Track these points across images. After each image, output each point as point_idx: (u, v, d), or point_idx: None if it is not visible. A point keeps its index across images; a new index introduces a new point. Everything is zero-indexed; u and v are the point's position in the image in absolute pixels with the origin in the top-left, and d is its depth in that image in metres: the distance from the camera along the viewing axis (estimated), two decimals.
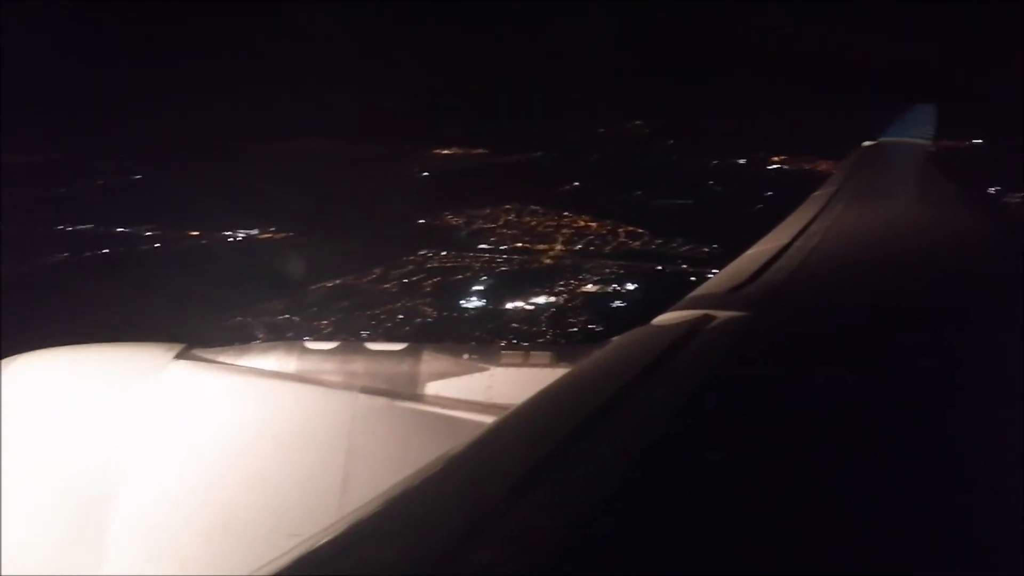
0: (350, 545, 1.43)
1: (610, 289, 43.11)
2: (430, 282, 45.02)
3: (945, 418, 1.89)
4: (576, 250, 51.37)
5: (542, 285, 43.52)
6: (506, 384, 3.30)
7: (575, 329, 36.86)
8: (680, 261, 46.68)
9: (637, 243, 52.10)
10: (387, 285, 44.65)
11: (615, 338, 3.22)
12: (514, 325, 38.10)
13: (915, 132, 11.15)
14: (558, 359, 3.38)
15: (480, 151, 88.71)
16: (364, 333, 33.89)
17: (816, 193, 6.97)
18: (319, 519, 2.63)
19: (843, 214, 5.52)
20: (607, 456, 1.66)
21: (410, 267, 47.27)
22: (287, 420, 3.13)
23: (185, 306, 33.90)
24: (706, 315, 2.79)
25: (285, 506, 2.91)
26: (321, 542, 1.43)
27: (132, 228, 54.19)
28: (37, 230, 50.69)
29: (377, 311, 40.45)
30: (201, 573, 2.77)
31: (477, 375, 3.34)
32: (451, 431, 3.05)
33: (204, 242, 52.91)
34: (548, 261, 49.29)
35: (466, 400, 3.28)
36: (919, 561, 1.32)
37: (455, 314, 40.40)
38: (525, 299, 41.63)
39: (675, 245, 50.54)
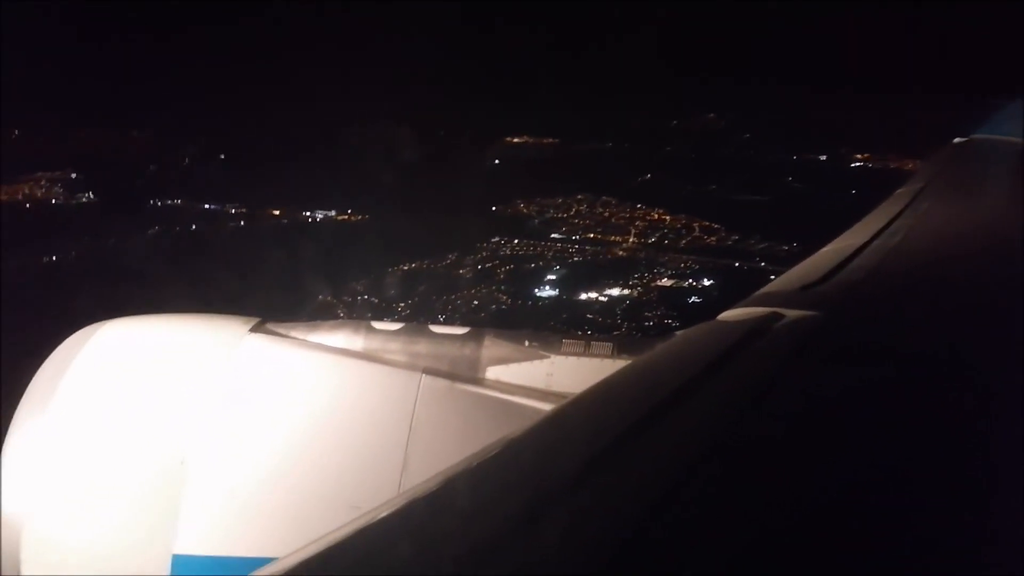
0: (410, 520, 1.44)
1: (686, 284, 42.52)
2: (504, 269, 45.34)
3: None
4: (650, 243, 50.84)
5: (616, 277, 43.25)
6: (566, 373, 3.32)
7: (651, 323, 36.52)
8: (758, 258, 45.60)
9: (713, 239, 51.18)
10: (462, 271, 45.17)
11: (679, 332, 3.18)
12: (589, 316, 38.06)
13: (1009, 130, 10.37)
14: (619, 350, 3.37)
15: (551, 140, 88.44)
16: (440, 317, 34.43)
17: (900, 190, 6.53)
18: (380, 493, 2.71)
19: (928, 213, 5.21)
20: (666, 451, 1.64)
21: (484, 254, 47.67)
22: (353, 396, 3.20)
23: (271, 283, 35.07)
24: (774, 312, 2.67)
25: (348, 479, 2.98)
26: (381, 515, 1.43)
27: (218, 205, 56.35)
28: (130, 205, 53.16)
29: (452, 296, 41.02)
30: (268, 537, 2.86)
31: (538, 362, 3.37)
32: (510, 416, 3.09)
33: (285, 221, 54.60)
34: (621, 253, 48.97)
35: (526, 386, 3.31)
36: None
37: (529, 303, 40.61)
38: (599, 290, 41.48)
39: (753, 242, 49.41)
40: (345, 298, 38.68)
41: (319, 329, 3.46)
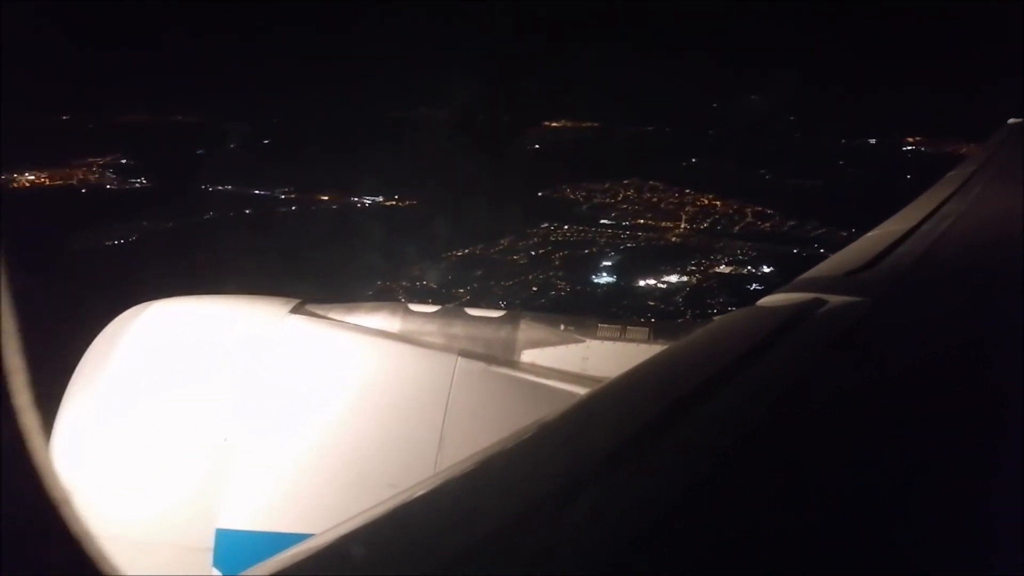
0: (445, 499, 1.45)
1: (745, 271, 41.83)
2: (558, 255, 45.04)
3: None
4: (703, 229, 50.14)
5: (672, 263, 42.72)
6: (601, 357, 3.31)
7: (714, 311, 35.97)
8: (817, 245, 44.61)
9: (767, 224, 50.32)
10: (515, 256, 44.97)
11: (717, 318, 3.13)
12: (650, 303, 37.62)
13: None
14: (655, 335, 3.34)
15: (590, 124, 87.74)
16: (501, 303, 34.24)
17: (951, 174, 6.21)
18: (416, 473, 2.68)
19: (980, 197, 4.95)
20: (700, 438, 1.61)
21: (535, 239, 47.40)
22: (390, 377, 3.23)
23: (327, 268, 35.23)
24: (817, 298, 2.58)
25: (386, 458, 3.00)
26: (418, 494, 1.44)
27: (267, 191, 56.65)
28: (182, 190, 53.65)
29: (511, 283, 40.83)
30: (308, 514, 2.89)
31: (573, 346, 3.37)
32: (545, 399, 3.07)
33: (334, 207, 54.75)
34: (675, 239, 48.35)
35: (561, 370, 3.31)
36: None
37: (588, 288, 40.27)
38: (657, 277, 41.00)
39: (809, 228, 48.46)
40: (403, 283, 38.72)
41: (357, 310, 3.50)
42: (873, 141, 70.19)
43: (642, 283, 40.68)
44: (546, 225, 49.49)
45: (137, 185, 55.95)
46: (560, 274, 42.16)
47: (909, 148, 65.80)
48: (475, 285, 39.49)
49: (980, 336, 2.35)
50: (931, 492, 1.44)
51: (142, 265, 33.24)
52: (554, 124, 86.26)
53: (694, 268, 42.34)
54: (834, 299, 2.60)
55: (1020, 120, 9.79)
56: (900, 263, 3.22)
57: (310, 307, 3.46)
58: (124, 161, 58.13)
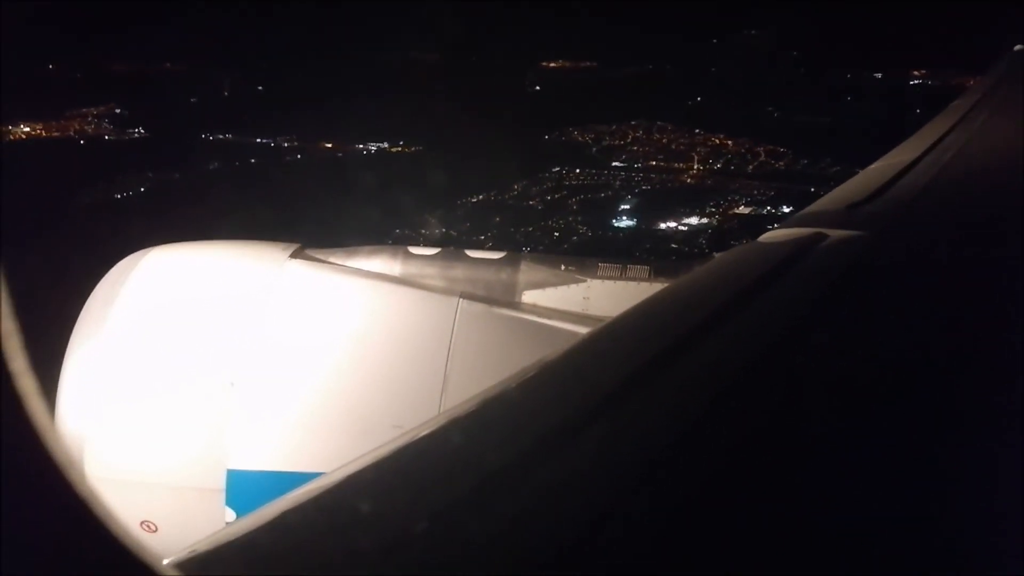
0: (451, 438, 1.46)
1: (765, 212, 41.59)
2: (575, 199, 44.67)
3: None
4: (716, 169, 49.69)
5: (690, 205, 42.49)
6: (603, 296, 3.35)
7: None
8: (833, 183, 44.24)
9: (781, 163, 49.90)
10: (531, 202, 44.54)
11: (717, 255, 3.15)
12: (673, 245, 37.44)
13: None
14: (656, 273, 3.38)
15: (588, 64, 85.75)
16: (525, 249, 33.98)
17: (954, 104, 6.17)
18: (421, 413, 2.67)
19: (984, 127, 4.95)
20: (702, 375, 1.63)
21: (549, 184, 46.87)
22: (393, 320, 3.25)
23: (342, 217, 34.63)
24: (818, 233, 2.57)
25: (390, 399, 3.03)
26: (423, 433, 1.45)
27: (268, 139, 55.32)
28: (181, 139, 52.29)
29: (530, 228, 40.48)
30: (316, 454, 2.90)
31: (574, 286, 3.40)
32: (548, 339, 3.08)
33: (340, 154, 53.72)
34: (689, 180, 47.97)
35: (563, 310, 3.34)
36: None
37: (610, 233, 40.03)
38: (677, 219, 40.81)
39: (823, 166, 48.03)
40: (423, 231, 38.25)
41: (357, 254, 3.49)
42: (879, 75, 69.21)
43: (663, 226, 40.51)
44: (557, 169, 48.90)
45: (136, 135, 54.35)
46: (580, 218, 41.87)
47: (916, 82, 64.98)
48: (495, 231, 39.15)
49: (980, 270, 2.34)
50: (929, 432, 1.42)
51: (153, 217, 32.53)
52: (552, 64, 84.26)
53: (713, 210, 42.18)
54: (835, 233, 2.58)
55: (1022, 47, 9.55)
56: (902, 195, 3.22)
57: (309, 251, 3.44)
58: (118, 111, 56.36)
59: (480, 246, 35.55)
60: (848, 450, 1.37)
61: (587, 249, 35.96)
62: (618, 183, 47.40)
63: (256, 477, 2.97)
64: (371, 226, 34.44)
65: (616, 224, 41.54)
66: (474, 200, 44.19)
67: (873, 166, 4.24)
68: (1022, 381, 1.62)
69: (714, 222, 40.60)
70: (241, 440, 3.01)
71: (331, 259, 3.47)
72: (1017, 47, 9.42)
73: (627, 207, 43.31)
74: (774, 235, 2.86)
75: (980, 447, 1.39)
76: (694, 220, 40.87)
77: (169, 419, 3.04)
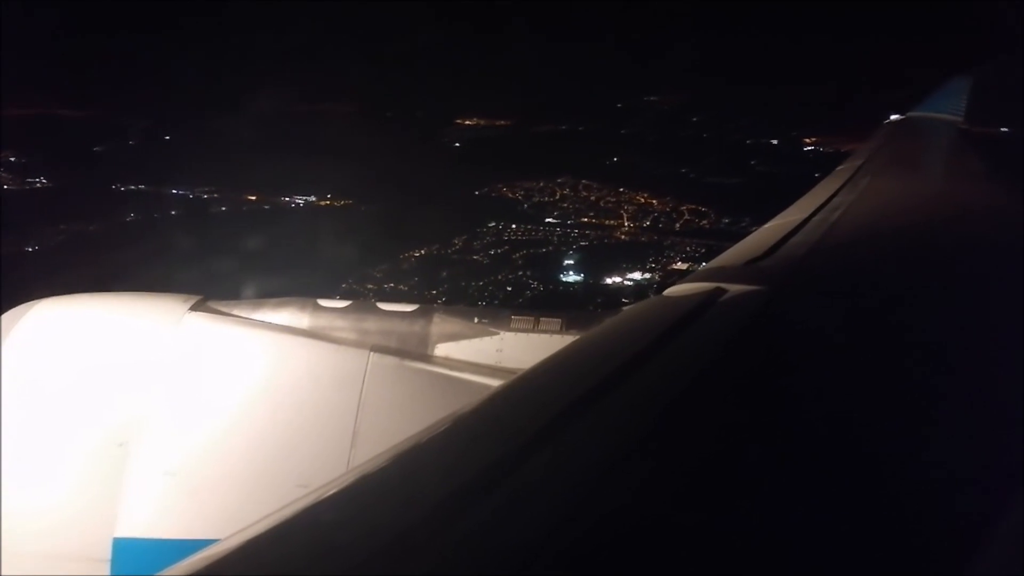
0: (359, 496, 1.45)
1: (701, 268, 43.04)
2: (519, 254, 44.60)
3: (961, 412, 1.80)
4: (646, 227, 51.26)
5: (631, 261, 43.39)
6: (515, 348, 3.36)
7: None
8: None
9: (704, 222, 52.17)
10: (475, 256, 44.11)
11: (625, 308, 3.25)
12: (624, 300, 37.90)
13: (947, 107, 11.00)
14: (567, 325, 3.44)
15: (503, 122, 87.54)
16: (481, 303, 33.49)
17: (841, 167, 6.81)
18: (329, 471, 2.68)
19: (867, 188, 5.36)
20: (614, 423, 1.67)
21: (489, 239, 46.71)
22: (300, 375, 3.18)
23: (284, 271, 32.99)
24: (719, 288, 2.72)
25: (296, 458, 2.98)
26: (329, 492, 1.44)
27: (187, 190, 52.36)
28: (90, 190, 48.67)
29: (480, 282, 39.97)
30: (212, 519, 2.82)
31: (487, 339, 3.40)
32: (460, 392, 3.09)
33: (266, 207, 51.46)
34: (624, 237, 49.12)
35: (476, 363, 3.34)
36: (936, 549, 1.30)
37: (560, 288, 40.12)
38: (622, 274, 41.51)
39: (744, 224, 50.66)
40: (368, 286, 37.03)
41: (263, 307, 3.42)
42: (775, 142, 74.48)
43: (609, 281, 41.09)
44: (493, 224, 48.87)
45: (38, 185, 50.03)
46: (529, 272, 41.79)
47: (809, 148, 70.34)
48: (446, 286, 38.45)
49: (869, 323, 2.46)
50: (833, 479, 1.45)
51: (75, 270, 29.84)
52: (467, 122, 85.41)
53: (654, 265, 43.24)
54: (734, 288, 2.68)
55: (900, 116, 10.84)
56: (795, 252, 3.34)
57: (212, 304, 3.32)
58: (13, 159, 51.86)
59: (433, 300, 34.85)
60: (747, 497, 1.37)
61: (543, 302, 35.96)
62: (556, 239, 47.91)
63: (145, 545, 2.80)
64: (312, 281, 33.01)
65: (564, 279, 41.84)
66: (416, 255, 43.39)
67: (769, 224, 4.41)
68: (906, 422, 1.69)
69: (656, 277, 41.70)
70: (129, 505, 2.84)
71: (235, 312, 3.30)
72: (892, 117, 10.63)
73: (571, 262, 43.75)
74: (678, 289, 2.92)
75: (877, 494, 1.40)
76: (637, 275, 41.77)
77: (52, 483, 2.87)
